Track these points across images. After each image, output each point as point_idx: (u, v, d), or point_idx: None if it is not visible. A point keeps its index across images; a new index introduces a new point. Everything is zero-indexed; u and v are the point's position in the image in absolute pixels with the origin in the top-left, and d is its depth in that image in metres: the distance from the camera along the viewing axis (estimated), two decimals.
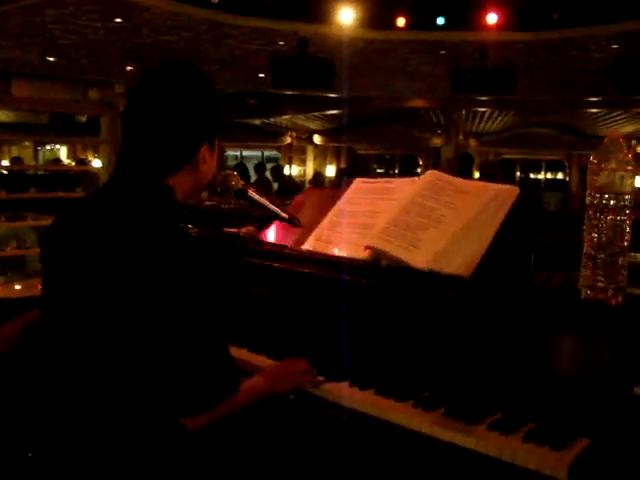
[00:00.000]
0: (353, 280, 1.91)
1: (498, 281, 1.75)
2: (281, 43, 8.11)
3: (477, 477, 1.47)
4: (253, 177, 11.56)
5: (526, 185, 13.92)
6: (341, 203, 2.21)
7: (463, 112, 12.65)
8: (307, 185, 13.09)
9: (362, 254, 1.96)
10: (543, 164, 16.07)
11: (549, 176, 16.35)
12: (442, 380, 1.71)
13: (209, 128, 1.56)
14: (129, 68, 9.97)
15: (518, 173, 15.98)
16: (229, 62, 9.39)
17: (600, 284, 1.54)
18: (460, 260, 1.76)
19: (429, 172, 2.10)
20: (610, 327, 1.49)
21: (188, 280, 1.38)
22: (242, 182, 2.13)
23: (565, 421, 1.47)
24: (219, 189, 2.25)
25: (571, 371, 1.56)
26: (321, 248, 2.11)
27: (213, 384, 1.41)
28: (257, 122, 14.85)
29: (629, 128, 13.58)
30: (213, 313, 1.43)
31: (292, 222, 2.17)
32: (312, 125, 15.26)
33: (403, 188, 2.09)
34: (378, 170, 16.84)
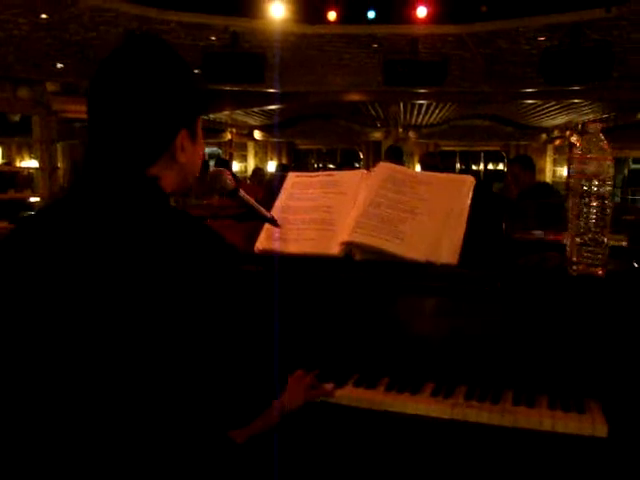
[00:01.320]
0: (351, 276, 1.91)
1: (484, 264, 1.87)
2: (213, 38, 8.00)
3: (518, 453, 1.59)
4: None
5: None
6: (282, 199, 2.12)
7: (401, 105, 12.73)
8: (247, 182, 13.01)
9: (331, 250, 1.91)
10: (482, 155, 16.34)
11: (490, 167, 16.63)
12: (445, 368, 1.78)
13: (185, 110, 1.32)
14: (60, 65, 9.72)
15: (458, 165, 16.20)
16: None
17: (587, 260, 1.78)
18: (446, 248, 1.84)
19: (382, 165, 2.11)
20: (597, 294, 1.75)
21: (225, 291, 1.23)
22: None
23: (574, 388, 1.66)
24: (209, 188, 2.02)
25: (570, 341, 1.73)
26: (278, 247, 2.00)
27: (257, 397, 1.33)
28: None
29: (563, 119, 13.91)
30: (256, 322, 1.32)
31: (274, 222, 2.02)
32: (252, 121, 15.16)
33: (350, 181, 2.07)
34: (318, 165, 16.82)
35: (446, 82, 8.23)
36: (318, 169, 16.00)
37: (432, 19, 7.38)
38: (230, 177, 1.88)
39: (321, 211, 2.03)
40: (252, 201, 1.95)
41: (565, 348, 1.72)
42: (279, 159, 16.13)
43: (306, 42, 8.06)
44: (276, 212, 2.05)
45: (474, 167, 16.47)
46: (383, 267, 1.87)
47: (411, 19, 7.35)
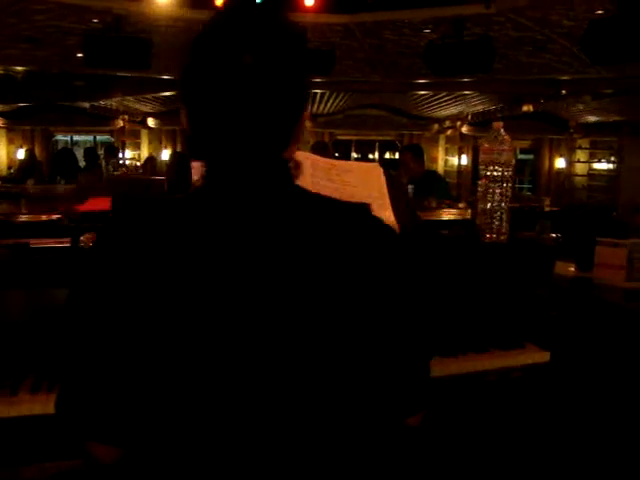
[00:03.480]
0: None
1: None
2: (95, 21, 7.70)
3: (495, 388, 2.12)
4: (82, 162, 11.02)
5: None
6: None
7: None
8: (140, 171, 12.68)
9: None
10: (377, 144, 16.59)
11: (387, 156, 16.91)
12: None
13: (308, 85, 1.20)
14: None
15: (355, 154, 16.38)
16: (42, 40, 8.81)
17: (494, 230, 2.30)
18: None
19: (300, 154, 2.11)
20: (503, 256, 2.36)
21: (412, 277, 1.20)
22: None
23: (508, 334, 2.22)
24: None
25: (488, 293, 2.28)
26: None
27: (428, 380, 1.24)
28: (86, 105, 14.14)
29: (454, 110, 14.31)
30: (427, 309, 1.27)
31: None
32: (145, 108, 14.76)
33: None
34: None
35: (337, 72, 8.28)
36: None
37: (320, 8, 7.40)
38: None
39: None
40: None
41: (486, 300, 2.21)
42: (174, 147, 15.79)
43: (194, 28, 7.83)
44: None
45: (370, 156, 16.70)
46: None
47: (299, 8, 7.35)
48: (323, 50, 7.76)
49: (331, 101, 13.45)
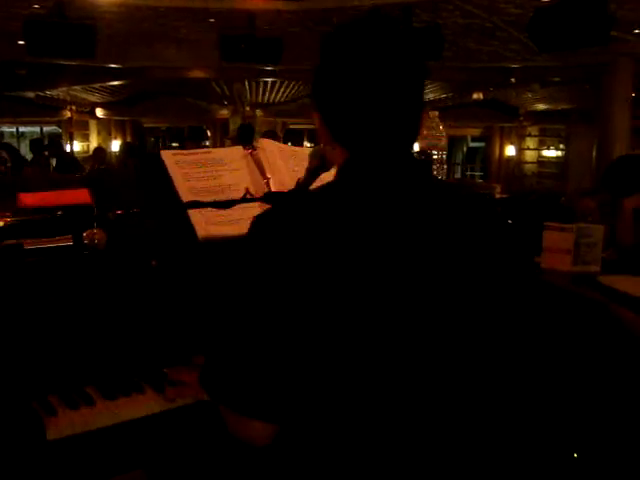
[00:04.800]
0: None
1: None
2: (36, 6, 7.46)
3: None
4: (29, 155, 10.75)
5: None
6: (181, 181, 1.93)
7: (246, 83, 12.61)
8: (90, 161, 12.41)
9: None
10: None
11: None
12: None
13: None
14: None
15: (307, 143, 16.33)
16: None
17: None
18: None
19: (265, 141, 2.20)
20: None
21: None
22: None
23: None
24: None
25: None
26: (225, 231, 1.88)
27: None
28: (31, 95, 13.76)
29: None
30: None
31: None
32: (93, 98, 14.45)
33: (234, 157, 2.08)
34: (164, 143, 16.37)
35: (287, 60, 8.21)
36: (165, 147, 15.57)
37: None
38: None
39: (231, 190, 1.98)
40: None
41: None
42: (124, 138, 15.52)
43: (139, 14, 7.73)
44: (189, 195, 1.90)
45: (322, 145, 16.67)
46: None
47: None
48: (272, 38, 7.69)
49: (282, 89, 13.37)
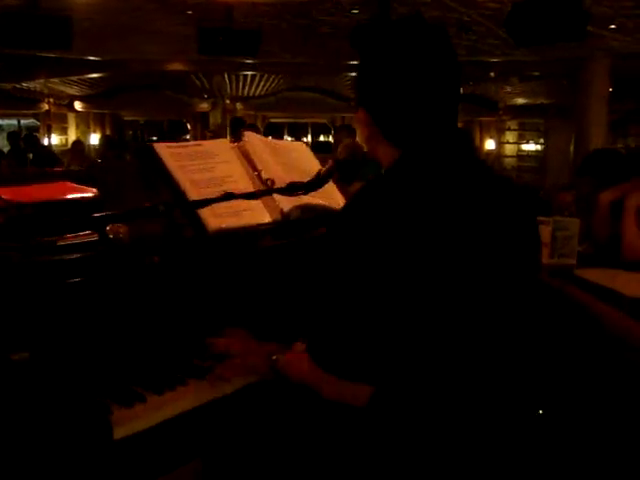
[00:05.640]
0: None
1: None
2: None
3: None
4: (6, 147, 10.63)
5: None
6: (179, 173, 1.91)
7: (226, 76, 12.55)
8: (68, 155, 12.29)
9: (267, 218, 1.99)
10: (309, 127, 16.52)
11: (322, 139, 16.88)
12: None
13: None
14: None
15: (288, 137, 16.29)
16: None
17: None
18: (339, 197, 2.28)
19: (251, 134, 2.24)
20: None
21: None
22: None
23: None
24: None
25: None
26: (232, 223, 1.90)
27: None
28: (8, 87, 13.59)
29: None
30: None
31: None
32: (72, 90, 14.30)
33: (223, 150, 2.09)
34: (142, 137, 16.24)
35: (266, 53, 8.18)
36: (143, 141, 15.46)
37: None
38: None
39: (229, 182, 2.00)
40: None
41: None
42: (103, 131, 15.38)
43: (114, 6, 7.65)
44: (192, 188, 1.89)
45: (304, 139, 16.63)
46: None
47: None
48: (249, 30, 7.65)
49: (262, 83, 13.32)
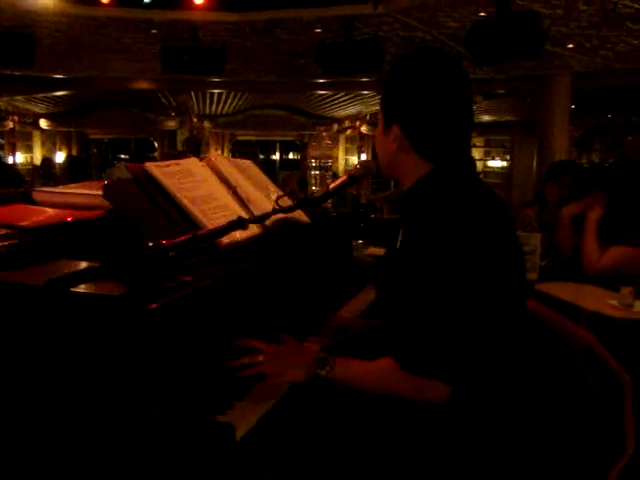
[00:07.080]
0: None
1: None
2: None
3: None
4: None
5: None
6: (174, 191, 1.92)
7: (192, 94, 12.54)
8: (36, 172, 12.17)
9: (252, 231, 1.99)
10: (278, 145, 16.57)
11: (291, 156, 16.92)
12: None
13: None
14: None
15: (262, 155, 16.34)
16: None
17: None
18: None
19: (217, 155, 2.60)
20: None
21: None
22: None
23: None
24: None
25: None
26: (238, 237, 1.92)
27: None
28: None
29: (353, 110, 14.46)
30: None
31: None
32: (37, 108, 14.18)
33: (198, 169, 2.12)
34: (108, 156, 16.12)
35: (231, 71, 8.19)
36: (112, 160, 15.38)
37: (210, 6, 7.29)
38: None
39: (213, 198, 2.04)
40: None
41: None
42: (69, 149, 15.26)
43: (79, 24, 7.61)
44: (192, 204, 1.92)
45: (272, 157, 16.67)
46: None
47: (188, 5, 7.22)
48: (214, 49, 7.66)
49: (230, 101, 13.34)
